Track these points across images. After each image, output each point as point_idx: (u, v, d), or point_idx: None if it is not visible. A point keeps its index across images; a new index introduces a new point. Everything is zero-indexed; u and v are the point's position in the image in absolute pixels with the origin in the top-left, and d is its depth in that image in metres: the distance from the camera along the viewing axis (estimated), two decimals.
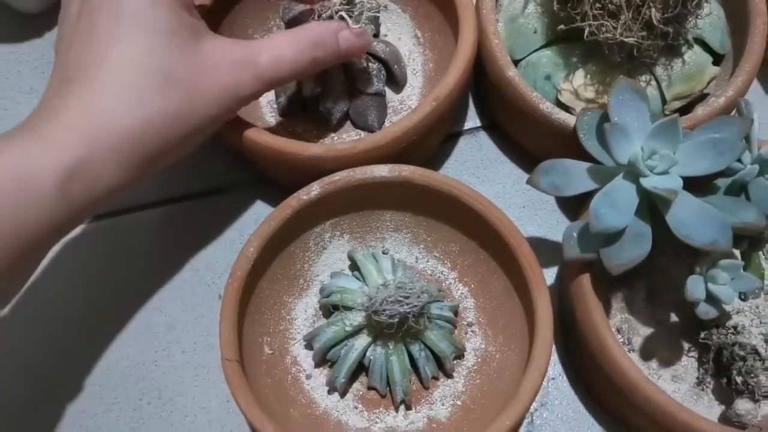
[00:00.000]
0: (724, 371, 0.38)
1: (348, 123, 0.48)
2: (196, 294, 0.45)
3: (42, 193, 0.31)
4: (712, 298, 0.35)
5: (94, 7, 0.35)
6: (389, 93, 0.48)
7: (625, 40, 0.39)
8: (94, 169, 0.32)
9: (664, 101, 0.43)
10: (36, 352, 0.43)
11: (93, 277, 0.45)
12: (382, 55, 0.46)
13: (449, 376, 0.41)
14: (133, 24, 0.34)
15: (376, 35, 0.48)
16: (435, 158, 0.49)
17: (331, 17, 0.42)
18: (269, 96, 0.48)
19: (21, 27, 0.53)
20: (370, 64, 0.46)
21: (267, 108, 0.48)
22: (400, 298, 0.36)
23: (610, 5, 0.39)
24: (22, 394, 0.42)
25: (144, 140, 0.34)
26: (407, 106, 0.48)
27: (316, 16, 0.43)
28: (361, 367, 0.40)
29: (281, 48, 0.38)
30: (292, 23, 0.46)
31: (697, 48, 0.43)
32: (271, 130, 0.42)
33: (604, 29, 0.39)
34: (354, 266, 0.43)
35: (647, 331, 0.40)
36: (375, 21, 0.48)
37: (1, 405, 0.42)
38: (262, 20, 0.50)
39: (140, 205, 0.47)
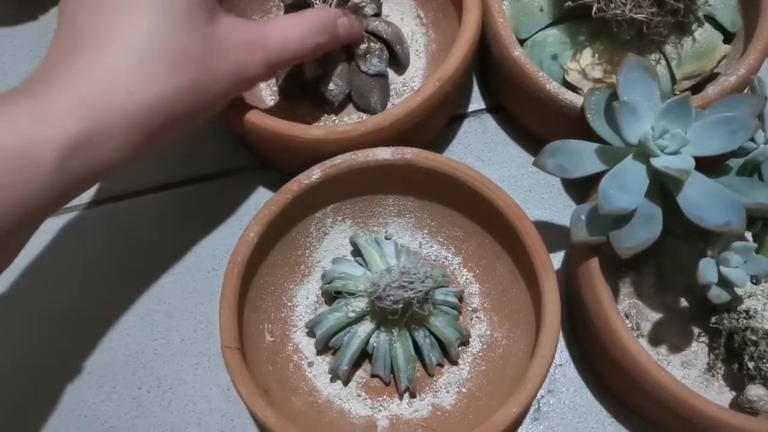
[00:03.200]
0: (736, 356, 0.37)
1: (350, 105, 0.47)
2: (195, 280, 0.44)
3: (39, 168, 0.30)
4: (724, 282, 0.34)
5: None
6: (392, 75, 0.47)
7: (635, 16, 0.38)
8: (97, 144, 0.31)
9: (673, 81, 0.42)
10: (34, 340, 0.43)
11: (92, 263, 0.45)
12: (384, 35, 0.45)
13: (454, 363, 0.40)
14: (151, 2, 0.33)
15: (377, 14, 0.47)
16: (439, 141, 0.48)
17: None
18: (271, 93, 0.47)
19: (15, 10, 0.52)
20: (371, 44, 0.45)
21: (266, 90, 0.47)
22: (404, 284, 0.36)
23: None
24: (20, 382, 0.42)
25: (153, 116, 0.33)
26: (410, 87, 0.47)
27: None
28: (364, 354, 0.39)
29: (288, 32, 0.38)
30: (292, 6, 0.45)
31: (707, 26, 0.42)
32: (271, 113, 0.41)
33: (612, 5, 0.38)
34: (356, 252, 0.42)
35: (656, 316, 0.39)
36: (377, 0, 0.47)
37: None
38: (261, 1, 0.49)
39: (140, 190, 0.47)
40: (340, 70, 0.44)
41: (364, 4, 0.42)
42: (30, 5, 0.52)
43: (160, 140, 0.35)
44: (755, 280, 0.38)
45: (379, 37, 0.45)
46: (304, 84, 0.45)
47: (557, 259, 0.44)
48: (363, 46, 0.44)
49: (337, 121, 0.46)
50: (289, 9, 0.45)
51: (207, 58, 0.35)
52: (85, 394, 0.41)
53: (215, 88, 0.35)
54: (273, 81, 0.47)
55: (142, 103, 0.32)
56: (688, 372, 0.38)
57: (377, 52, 0.45)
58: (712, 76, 0.43)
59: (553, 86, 0.41)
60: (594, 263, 0.37)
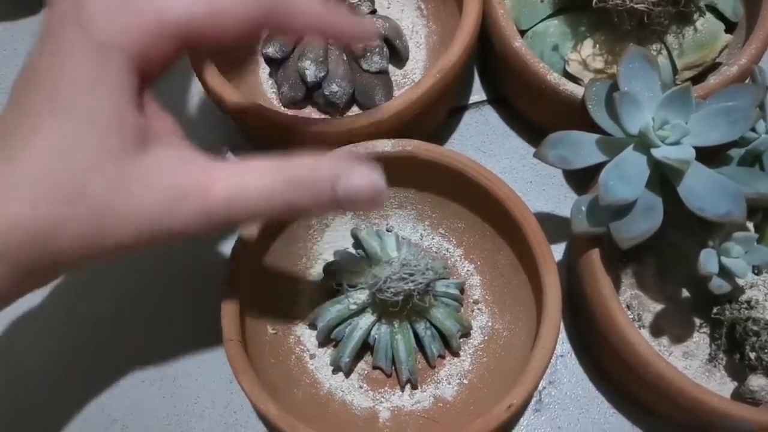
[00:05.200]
0: (737, 347, 0.37)
1: (354, 106, 0.47)
2: (196, 274, 0.44)
3: None
4: (725, 272, 0.34)
5: (37, 77, 0.28)
6: (392, 68, 0.47)
7: (635, 6, 0.38)
8: None
9: (675, 71, 0.42)
10: (35, 334, 0.43)
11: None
12: (383, 31, 0.45)
13: (456, 354, 0.40)
14: (65, 108, 0.27)
15: (373, 12, 0.47)
16: (440, 133, 0.48)
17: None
18: (273, 85, 0.47)
19: (15, 5, 0.52)
20: (371, 42, 0.45)
21: (273, 95, 0.47)
22: (405, 276, 0.36)
23: None
24: (22, 376, 0.42)
25: (29, 253, 0.27)
26: (411, 80, 0.47)
27: None
28: (365, 346, 0.39)
29: (247, 181, 0.29)
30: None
31: (709, 15, 0.42)
32: None
33: None
34: (358, 244, 0.42)
35: (658, 307, 0.39)
36: None
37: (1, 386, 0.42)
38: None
39: None
40: (341, 71, 0.44)
41: (359, 2, 0.42)
42: (29, 0, 0.52)
43: (46, 277, 0.29)
44: (757, 270, 0.38)
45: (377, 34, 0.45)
46: (308, 88, 0.45)
47: (559, 250, 0.44)
48: (362, 45, 0.44)
49: None
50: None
51: (113, 198, 0.27)
52: (88, 387, 0.42)
53: (116, 237, 0.28)
54: (276, 87, 0.47)
55: (28, 239, 0.27)
56: (690, 362, 0.38)
57: (377, 50, 0.45)
58: (714, 66, 0.43)
59: (554, 77, 0.41)
60: (595, 254, 0.37)
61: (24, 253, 0.27)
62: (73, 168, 0.27)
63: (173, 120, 0.32)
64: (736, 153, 0.37)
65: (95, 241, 0.28)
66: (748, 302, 0.36)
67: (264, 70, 0.48)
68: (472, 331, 0.41)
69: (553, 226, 0.43)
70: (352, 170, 0.30)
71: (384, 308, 0.38)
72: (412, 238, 0.43)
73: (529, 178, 0.46)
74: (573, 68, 0.42)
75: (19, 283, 0.28)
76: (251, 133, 0.44)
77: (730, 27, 0.43)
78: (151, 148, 0.29)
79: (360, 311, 0.39)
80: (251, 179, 0.29)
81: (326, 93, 0.44)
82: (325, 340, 0.40)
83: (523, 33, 0.43)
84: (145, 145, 0.29)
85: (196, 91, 0.49)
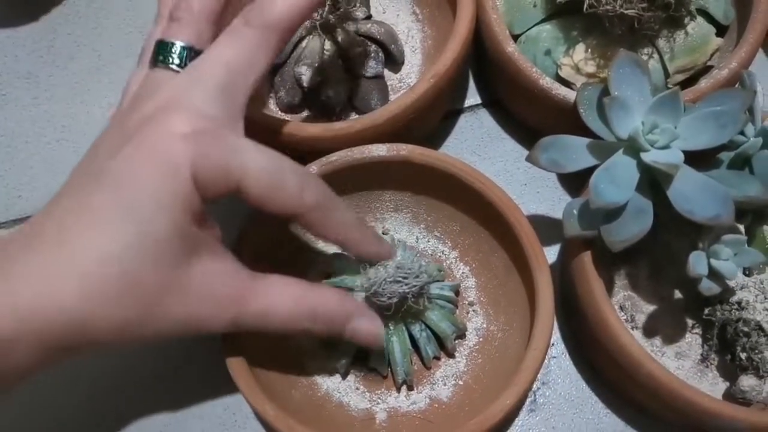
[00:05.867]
0: (729, 348, 0.37)
1: (351, 111, 0.47)
2: None
3: None
4: (714, 274, 0.35)
5: (108, 177, 0.30)
6: (387, 72, 0.48)
7: (626, 12, 0.38)
8: (10, 349, 0.28)
9: (666, 74, 0.42)
10: None
11: None
12: (378, 37, 0.46)
13: (451, 355, 0.41)
14: (129, 218, 0.29)
15: (369, 17, 0.47)
16: (435, 136, 0.48)
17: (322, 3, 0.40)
18: (270, 90, 0.48)
19: (17, 11, 0.53)
20: (366, 48, 0.45)
21: (270, 100, 0.48)
22: (399, 279, 0.36)
23: None
24: None
25: (77, 336, 0.29)
26: (406, 84, 0.48)
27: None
28: (362, 348, 0.40)
29: (277, 305, 0.33)
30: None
31: (700, 19, 0.42)
32: None
33: (603, 1, 0.39)
34: None
35: (650, 308, 0.40)
36: (366, 1, 0.47)
37: None
38: None
39: None
40: (338, 76, 0.45)
41: (354, 8, 0.42)
42: (31, 6, 0.53)
43: (80, 356, 0.31)
44: (747, 271, 0.38)
45: (373, 39, 0.45)
46: (304, 93, 0.46)
47: (554, 251, 0.45)
48: (358, 50, 0.45)
49: None
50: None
51: (160, 298, 0.30)
52: (87, 387, 0.42)
53: (156, 329, 0.31)
54: (273, 92, 0.47)
55: (68, 323, 0.28)
56: (682, 363, 0.39)
57: (373, 55, 0.45)
58: (706, 69, 0.43)
59: (547, 81, 0.41)
60: (587, 257, 0.37)
61: (60, 334, 0.28)
62: (130, 267, 0.29)
63: (218, 228, 0.33)
64: (725, 156, 0.37)
65: (132, 333, 0.30)
66: (739, 303, 0.37)
67: None
68: (467, 333, 0.41)
69: (548, 228, 0.43)
70: (364, 312, 0.36)
71: (379, 311, 0.38)
72: (407, 240, 0.43)
73: (524, 181, 0.47)
74: (565, 72, 0.42)
75: (47, 360, 0.29)
76: (248, 137, 0.44)
77: (721, 30, 0.44)
78: (201, 258, 0.31)
79: None
80: (280, 305, 0.33)
81: (323, 98, 0.45)
82: (321, 342, 0.40)
83: (516, 38, 0.44)
84: (196, 255, 0.31)
85: None
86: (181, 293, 0.31)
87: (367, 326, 0.36)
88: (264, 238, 0.39)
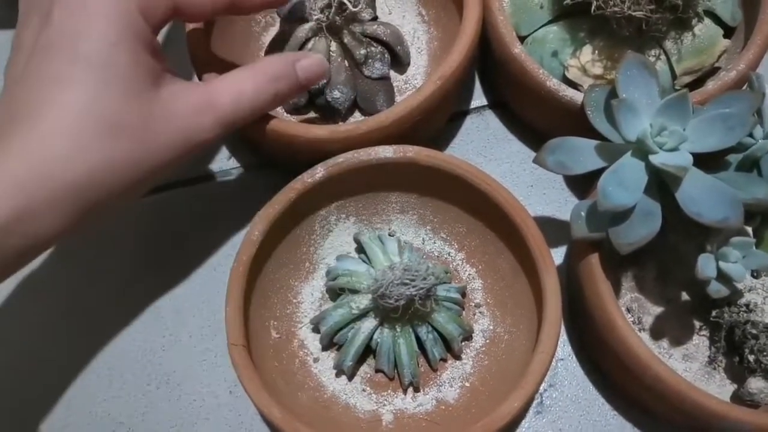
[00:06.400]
0: (736, 350, 0.37)
1: (357, 112, 0.47)
2: (201, 278, 0.45)
3: None
4: (723, 277, 0.35)
5: (51, 42, 0.32)
6: (393, 74, 0.48)
7: (633, 13, 0.38)
8: (32, 220, 0.30)
9: (674, 76, 0.42)
10: (44, 338, 0.43)
11: (98, 263, 0.45)
12: (384, 38, 0.46)
13: (457, 357, 0.41)
14: (87, 66, 0.31)
15: (375, 18, 0.47)
16: (441, 138, 0.48)
17: (329, 5, 0.42)
18: None
19: (12, 11, 0.52)
20: (372, 48, 0.45)
21: None
22: (407, 281, 0.36)
23: None
24: (31, 381, 0.42)
25: (89, 190, 0.31)
26: (412, 85, 0.48)
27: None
28: (368, 350, 0.40)
29: (241, 87, 0.37)
30: (286, 20, 0.45)
31: (707, 20, 0.42)
32: None
33: (611, 3, 0.38)
34: (360, 249, 0.42)
35: (658, 310, 0.40)
36: (372, 2, 0.47)
37: (9, 390, 0.42)
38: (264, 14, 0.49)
39: None
40: (343, 77, 0.45)
41: (361, 9, 0.42)
42: None
43: (107, 208, 0.33)
44: (755, 274, 0.38)
45: (379, 41, 0.45)
46: (311, 95, 0.45)
47: (560, 253, 0.44)
48: (363, 51, 0.45)
49: None
50: (284, 23, 0.46)
51: (147, 128, 0.33)
52: (95, 390, 0.42)
53: (158, 157, 0.34)
54: None
55: (76, 178, 0.31)
56: (690, 365, 0.39)
57: (378, 56, 0.45)
58: (713, 71, 0.43)
59: (554, 83, 0.41)
60: (594, 259, 0.37)
61: (72, 195, 0.31)
62: (107, 110, 0.31)
63: (164, 56, 0.36)
64: (734, 158, 0.37)
65: (137, 168, 0.33)
66: (747, 305, 0.37)
67: None
68: (473, 335, 0.41)
69: (554, 229, 0.43)
70: (302, 55, 0.40)
71: (386, 312, 0.38)
72: (414, 242, 0.43)
73: (530, 182, 0.47)
74: (572, 74, 0.42)
75: (70, 224, 0.32)
76: (254, 139, 0.44)
77: (728, 32, 0.44)
78: (164, 82, 0.34)
79: (362, 315, 0.39)
80: (243, 86, 0.36)
81: (328, 99, 0.45)
82: (328, 344, 0.40)
83: (522, 39, 0.44)
84: (159, 81, 0.34)
85: None
86: (162, 116, 0.33)
87: (309, 60, 0.39)
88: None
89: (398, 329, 0.39)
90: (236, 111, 0.36)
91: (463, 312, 0.41)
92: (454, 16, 0.46)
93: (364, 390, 0.40)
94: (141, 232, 0.46)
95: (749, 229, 0.38)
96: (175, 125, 0.34)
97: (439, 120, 0.47)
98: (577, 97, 0.40)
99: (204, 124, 0.35)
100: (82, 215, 0.32)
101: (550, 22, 0.43)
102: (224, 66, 0.42)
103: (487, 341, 0.41)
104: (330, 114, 0.46)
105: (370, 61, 0.45)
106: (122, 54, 0.32)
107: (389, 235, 0.43)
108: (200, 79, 0.42)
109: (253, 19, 0.49)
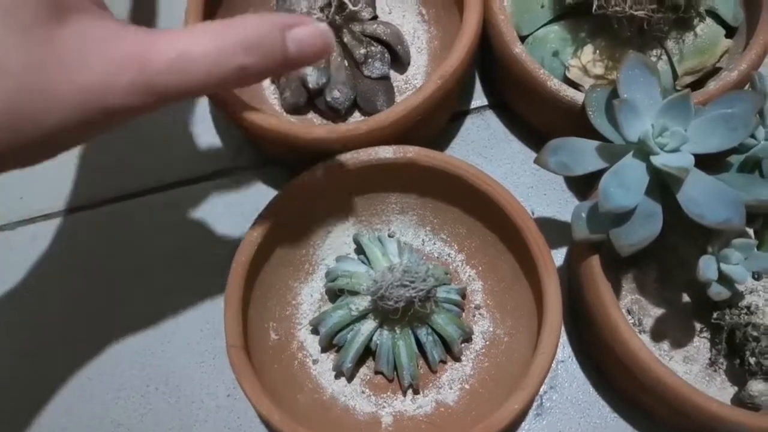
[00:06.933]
0: (737, 352, 0.37)
1: (356, 112, 0.47)
2: (200, 279, 0.44)
3: None
4: (724, 278, 0.34)
5: None
6: (393, 73, 0.47)
7: (635, 13, 0.38)
8: None
9: (675, 76, 0.42)
10: (42, 342, 0.43)
11: (96, 263, 0.45)
12: (384, 37, 0.45)
13: (457, 359, 0.40)
14: None
15: (375, 18, 0.47)
16: (441, 138, 0.48)
17: (329, 4, 0.41)
18: (275, 91, 0.47)
19: None
20: (372, 48, 0.45)
21: (275, 101, 0.47)
22: (406, 283, 0.36)
23: None
24: (29, 382, 0.42)
25: None
26: (412, 85, 0.47)
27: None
28: (368, 352, 0.40)
29: (191, 46, 0.27)
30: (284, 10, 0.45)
31: (709, 20, 0.42)
32: None
33: (613, 2, 0.38)
34: (360, 250, 0.42)
35: (658, 312, 0.40)
36: (372, 2, 0.47)
37: (8, 392, 0.42)
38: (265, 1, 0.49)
39: (143, 189, 0.47)
40: (343, 77, 0.45)
41: (360, 9, 0.42)
42: None
43: None
44: (757, 276, 0.38)
45: (379, 40, 0.45)
46: (310, 94, 0.45)
47: (560, 254, 0.44)
48: (363, 51, 0.44)
49: None
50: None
51: (36, 74, 0.25)
52: (94, 392, 0.42)
53: (52, 118, 0.25)
54: (278, 93, 0.47)
55: None
56: (690, 367, 0.39)
57: (378, 56, 0.45)
58: (715, 71, 0.43)
59: (555, 83, 0.41)
60: (595, 260, 0.37)
61: None
62: None
63: None
64: (735, 159, 0.37)
65: (26, 125, 0.25)
66: (748, 308, 0.37)
67: None
68: (473, 337, 0.41)
69: (554, 231, 0.43)
70: (299, 20, 0.29)
71: (385, 314, 0.38)
72: (414, 243, 0.43)
73: (531, 183, 0.46)
74: (573, 74, 0.42)
75: None
76: (253, 138, 0.44)
77: (730, 32, 0.43)
78: (74, 19, 0.26)
79: (362, 317, 0.39)
80: (196, 45, 0.27)
81: (328, 99, 0.45)
82: (327, 346, 0.40)
83: (523, 39, 0.43)
84: (65, 15, 0.26)
85: (200, 98, 0.49)
86: (60, 65, 0.25)
87: (307, 30, 0.29)
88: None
89: (398, 331, 0.39)
90: (175, 78, 0.27)
91: (463, 314, 0.41)
92: (454, 16, 0.46)
93: (363, 392, 0.40)
94: (140, 231, 0.46)
95: (751, 231, 0.38)
96: (76, 78, 0.25)
97: (439, 120, 0.47)
98: (578, 97, 0.40)
99: (120, 84, 0.26)
100: None
101: (551, 22, 0.43)
102: None
103: (487, 343, 0.41)
104: (330, 114, 0.46)
105: (370, 60, 0.45)
106: None
107: (389, 236, 0.43)
108: (210, 96, 0.41)
109: (260, 6, 0.48)
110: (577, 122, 0.39)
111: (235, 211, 0.46)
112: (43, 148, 0.27)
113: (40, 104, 0.25)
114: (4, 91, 0.24)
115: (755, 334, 0.36)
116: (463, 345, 0.40)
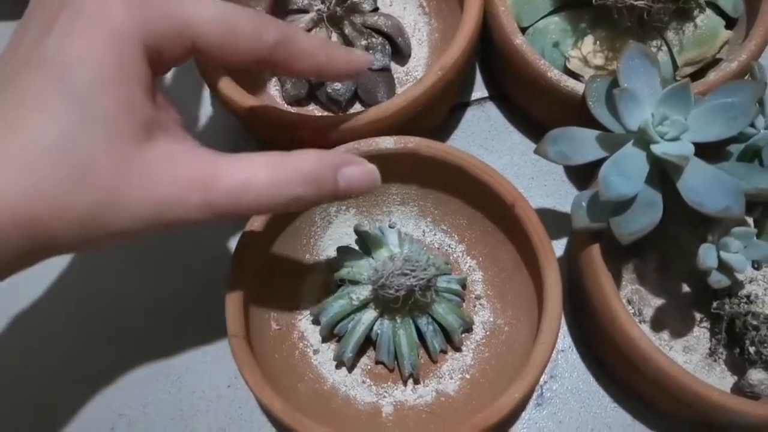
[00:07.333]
0: (737, 341, 0.37)
1: (357, 104, 0.47)
2: (201, 270, 0.44)
3: None
4: (724, 267, 0.34)
5: (44, 59, 0.27)
6: (394, 65, 0.48)
7: (635, 3, 0.38)
8: None
9: (675, 67, 0.42)
10: (44, 332, 0.43)
11: (97, 257, 0.45)
12: (385, 29, 0.46)
13: (458, 349, 0.41)
14: (73, 99, 0.27)
15: (376, 9, 0.47)
16: (442, 129, 0.48)
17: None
18: (276, 83, 0.47)
19: (23, 4, 0.52)
20: (373, 40, 0.45)
21: (276, 92, 0.47)
22: (407, 271, 0.36)
23: None
24: (30, 375, 0.42)
25: (35, 228, 0.26)
26: (413, 76, 0.48)
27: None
28: (368, 342, 0.40)
29: (254, 174, 0.30)
30: (288, 10, 0.45)
31: (709, 11, 0.42)
32: None
33: None
34: (360, 241, 0.42)
35: (658, 301, 0.40)
36: None
37: (9, 384, 0.42)
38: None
39: None
40: None
41: (361, 1, 0.42)
42: None
43: (53, 254, 0.28)
44: (756, 265, 0.38)
45: (380, 32, 0.45)
46: (311, 86, 0.45)
47: (560, 245, 0.44)
48: (364, 42, 0.44)
49: None
50: (284, 15, 0.45)
51: (119, 185, 0.27)
52: (95, 382, 0.42)
53: (122, 222, 0.28)
54: (279, 84, 0.47)
55: (27, 214, 0.26)
56: (690, 357, 0.39)
57: (379, 47, 0.45)
58: (715, 62, 0.43)
59: (555, 74, 0.41)
60: (595, 250, 0.37)
61: (19, 232, 0.26)
62: (81, 151, 0.27)
63: (176, 111, 0.32)
64: (735, 148, 0.37)
65: (96, 226, 0.28)
66: (748, 297, 0.37)
67: None
68: (473, 326, 0.41)
69: (555, 221, 0.43)
70: (350, 160, 0.33)
71: (386, 304, 0.38)
72: (414, 234, 0.43)
73: (531, 174, 0.47)
74: (574, 65, 0.42)
75: (12, 263, 0.27)
76: (255, 130, 0.44)
77: (730, 23, 0.43)
78: (158, 138, 0.29)
79: (363, 307, 0.39)
80: (258, 174, 0.30)
81: (329, 90, 0.45)
82: (328, 336, 0.40)
83: (524, 30, 0.43)
84: (152, 136, 0.29)
85: (201, 89, 0.50)
86: (139, 176, 0.28)
87: (360, 170, 0.33)
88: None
89: (398, 320, 0.39)
90: (236, 202, 0.30)
91: (464, 303, 0.41)
92: (455, 7, 0.46)
93: (364, 382, 0.40)
94: None
95: (750, 220, 0.38)
96: (152, 192, 0.28)
97: (440, 111, 0.47)
98: (578, 87, 0.40)
99: (188, 202, 0.29)
100: (27, 254, 0.27)
101: (551, 13, 0.43)
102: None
103: (488, 333, 0.41)
104: (330, 105, 0.46)
105: (371, 52, 0.45)
106: (114, 95, 0.27)
107: (389, 226, 0.43)
108: (204, 73, 0.41)
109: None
110: (577, 113, 0.39)
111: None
112: (99, 244, 0.29)
113: (114, 212, 0.28)
114: (95, 192, 0.27)
115: (755, 323, 0.36)
116: (463, 335, 0.41)
